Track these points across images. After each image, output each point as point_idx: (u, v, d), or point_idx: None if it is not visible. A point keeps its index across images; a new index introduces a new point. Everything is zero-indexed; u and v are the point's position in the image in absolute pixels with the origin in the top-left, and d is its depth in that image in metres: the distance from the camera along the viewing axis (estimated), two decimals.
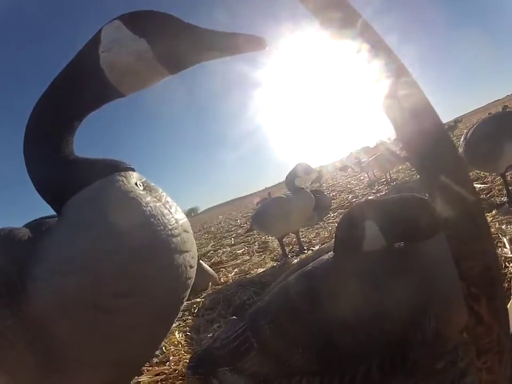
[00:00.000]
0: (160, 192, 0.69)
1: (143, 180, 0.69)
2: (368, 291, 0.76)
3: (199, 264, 2.46)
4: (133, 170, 0.69)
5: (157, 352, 1.30)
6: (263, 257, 3.01)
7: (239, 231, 5.57)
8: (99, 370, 0.64)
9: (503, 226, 1.60)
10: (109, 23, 0.67)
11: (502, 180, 2.19)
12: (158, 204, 0.64)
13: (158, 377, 1.12)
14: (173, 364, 1.19)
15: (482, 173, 2.91)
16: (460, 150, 2.22)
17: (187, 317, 1.79)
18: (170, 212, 0.65)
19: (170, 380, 1.09)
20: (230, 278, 2.53)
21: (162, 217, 0.62)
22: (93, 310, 0.57)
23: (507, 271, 1.20)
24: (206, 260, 3.75)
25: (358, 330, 0.74)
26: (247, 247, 3.83)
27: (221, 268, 3.06)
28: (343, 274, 0.80)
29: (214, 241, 5.45)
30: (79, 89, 0.67)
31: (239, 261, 3.16)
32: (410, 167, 5.54)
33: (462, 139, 2.24)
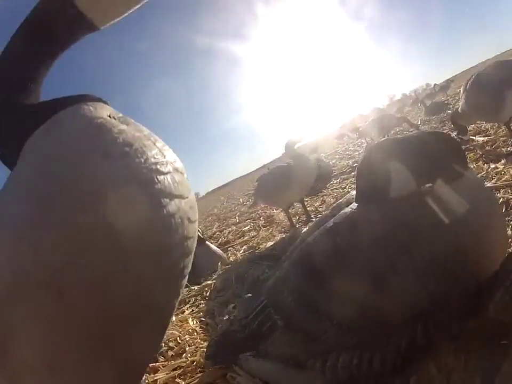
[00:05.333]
0: (141, 127, 0.54)
1: (119, 115, 0.54)
2: (404, 242, 0.65)
3: (206, 246, 2.36)
4: (106, 103, 0.54)
5: (172, 344, 1.18)
6: (270, 230, 2.91)
7: (242, 209, 5.49)
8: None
9: None
10: None
11: (506, 131, 2.16)
12: (137, 134, 0.49)
13: (175, 372, 1.00)
14: (189, 355, 1.06)
15: (483, 126, 2.87)
16: (461, 102, 2.17)
17: (199, 302, 1.68)
18: (155, 144, 0.50)
19: (188, 374, 0.97)
20: (239, 256, 2.43)
21: (143, 148, 0.47)
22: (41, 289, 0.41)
23: None
24: (213, 241, 3.65)
25: (398, 290, 0.63)
26: (253, 223, 3.73)
27: (229, 247, 2.97)
28: (373, 226, 0.68)
29: (218, 222, 5.36)
30: (45, 25, 0.54)
31: (246, 237, 3.06)
32: (408, 128, 5.45)
33: (461, 91, 2.18)
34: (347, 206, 0.78)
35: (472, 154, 2.27)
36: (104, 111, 0.51)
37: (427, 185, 0.73)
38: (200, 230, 2.48)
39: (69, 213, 0.42)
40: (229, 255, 2.55)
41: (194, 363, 1.00)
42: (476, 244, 0.67)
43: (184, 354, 1.08)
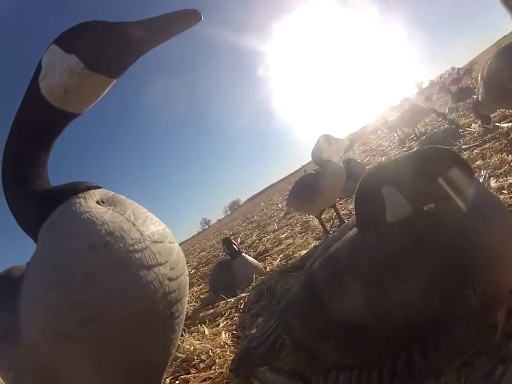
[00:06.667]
0: (127, 204, 0.66)
1: (109, 195, 0.67)
2: (400, 268, 0.66)
3: (242, 258, 2.45)
4: (96, 188, 0.67)
5: (203, 357, 1.28)
6: (305, 237, 2.94)
7: (281, 215, 5.53)
8: None
9: None
10: (46, 50, 0.66)
11: None
12: (118, 220, 0.61)
13: (204, 382, 1.10)
14: (217, 367, 1.16)
15: (507, 111, 2.71)
16: (480, 90, 2.07)
17: (233, 315, 1.76)
18: (134, 224, 0.61)
19: None
20: (276, 265, 2.49)
21: (122, 233, 0.59)
22: (64, 339, 0.57)
23: None
24: (251, 250, 3.74)
25: (394, 315, 0.65)
26: (290, 230, 3.78)
27: (267, 256, 3.04)
28: (370, 253, 0.71)
29: (258, 230, 5.45)
30: (33, 124, 0.67)
31: (283, 246, 3.11)
32: (436, 118, 5.28)
33: (479, 78, 2.08)
34: (351, 229, 0.82)
35: (497, 143, 2.19)
36: (92, 201, 0.63)
37: (426, 206, 0.72)
38: (236, 243, 2.58)
39: (66, 297, 0.56)
40: (266, 264, 2.61)
41: (222, 375, 1.09)
42: (483, 264, 0.64)
43: (214, 366, 1.18)
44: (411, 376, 0.66)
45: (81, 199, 0.63)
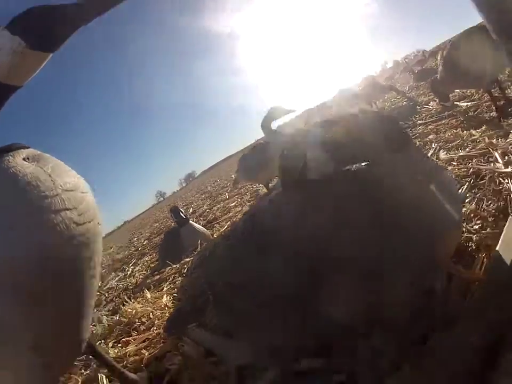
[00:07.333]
0: (49, 160, 0.74)
1: (36, 153, 0.75)
2: (316, 225, 0.65)
3: (189, 226, 2.48)
4: (25, 148, 0.74)
5: (144, 320, 1.31)
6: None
7: (232, 184, 5.57)
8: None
9: (494, 141, 1.49)
10: None
11: (489, 96, 2.07)
12: (37, 172, 0.68)
13: (143, 344, 1.13)
14: (155, 328, 1.19)
15: (468, 91, 2.81)
16: (439, 69, 2.14)
17: (177, 279, 1.80)
18: (50, 176, 0.69)
19: (153, 345, 1.10)
20: (222, 232, 2.52)
21: (38, 182, 0.66)
22: None
23: (502, 188, 1.07)
24: (201, 219, 3.78)
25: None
26: (240, 198, 3.84)
27: (215, 223, 3.08)
28: (291, 206, 0.72)
29: (210, 200, 5.48)
30: None
31: (231, 213, 3.17)
32: (395, 95, 5.36)
33: (439, 58, 2.14)
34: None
35: (453, 120, 2.25)
36: (19, 158, 0.71)
37: (349, 167, 0.70)
38: (183, 211, 2.61)
39: None
40: (214, 231, 2.66)
41: (159, 335, 1.13)
42: (411, 229, 0.63)
43: (153, 328, 1.22)
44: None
45: (10, 156, 0.70)
